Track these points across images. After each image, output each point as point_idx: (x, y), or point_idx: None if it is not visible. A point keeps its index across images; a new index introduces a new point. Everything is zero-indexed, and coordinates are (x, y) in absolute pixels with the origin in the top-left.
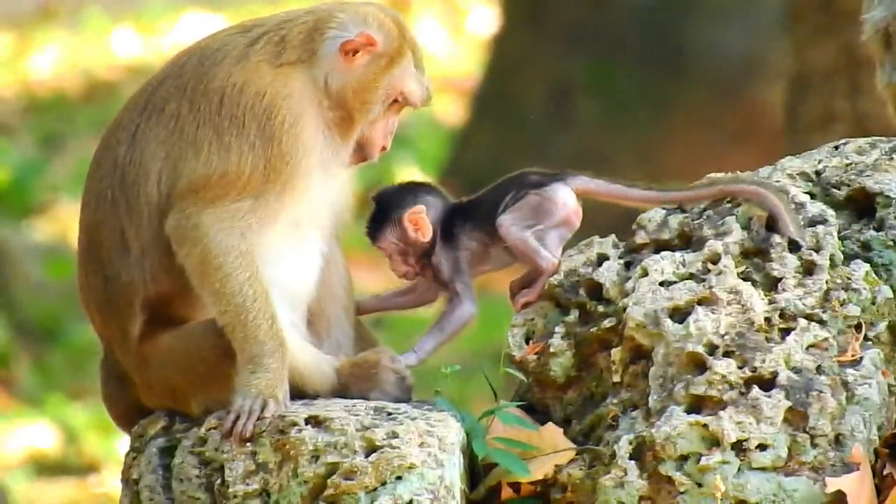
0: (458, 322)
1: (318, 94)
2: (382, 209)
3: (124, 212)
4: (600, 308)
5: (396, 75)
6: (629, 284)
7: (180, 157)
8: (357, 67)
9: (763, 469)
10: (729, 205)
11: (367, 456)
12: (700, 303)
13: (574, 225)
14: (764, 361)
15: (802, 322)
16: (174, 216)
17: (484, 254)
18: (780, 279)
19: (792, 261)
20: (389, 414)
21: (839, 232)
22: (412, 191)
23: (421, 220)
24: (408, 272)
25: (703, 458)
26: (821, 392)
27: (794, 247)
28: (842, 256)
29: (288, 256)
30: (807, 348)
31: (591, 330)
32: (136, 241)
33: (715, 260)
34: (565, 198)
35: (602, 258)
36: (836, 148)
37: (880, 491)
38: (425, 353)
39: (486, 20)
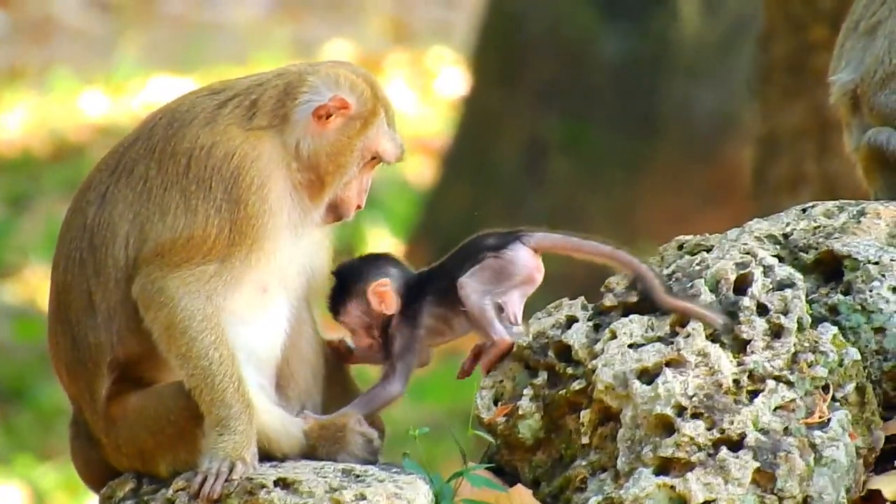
0: (386, 399)
1: (288, 156)
2: (344, 283)
3: (92, 273)
4: (569, 370)
5: (371, 136)
6: (598, 346)
7: (147, 219)
8: (330, 132)
9: None
10: (698, 267)
11: None
12: (668, 365)
13: (536, 282)
14: (732, 423)
15: (770, 384)
16: (140, 280)
17: (444, 327)
18: (748, 341)
19: (760, 324)
20: (357, 476)
21: (807, 295)
22: (374, 263)
23: (386, 294)
24: (372, 345)
25: None
26: (789, 453)
27: (762, 310)
28: (809, 319)
29: (255, 320)
30: (775, 410)
31: (560, 392)
32: (103, 302)
33: (683, 322)
34: (525, 258)
35: (571, 320)
36: (804, 210)
37: None
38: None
39: (456, 81)
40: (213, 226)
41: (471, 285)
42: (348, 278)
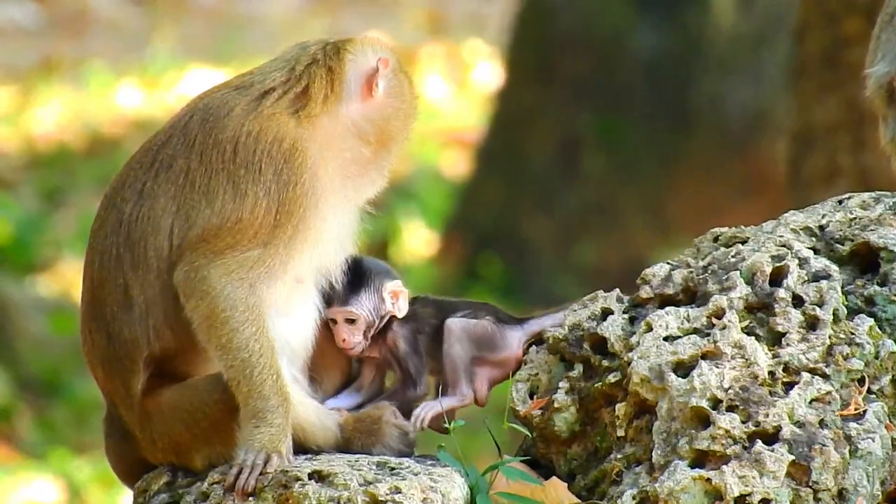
0: (409, 403)
1: (340, 138)
2: (362, 276)
3: (129, 268)
4: (604, 363)
5: (398, 103)
6: (633, 339)
7: (193, 207)
8: (380, 97)
9: None
10: (733, 259)
11: None
12: (704, 357)
13: (510, 369)
14: (767, 416)
15: (806, 376)
16: (182, 268)
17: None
18: (783, 334)
19: (796, 316)
20: (392, 469)
21: (843, 287)
22: (389, 268)
23: (403, 296)
24: (358, 345)
25: None
26: (824, 446)
27: (798, 302)
28: (845, 311)
29: (290, 311)
30: (810, 402)
31: (596, 385)
32: (140, 297)
33: (719, 315)
34: (516, 341)
35: (606, 312)
36: (840, 202)
37: None
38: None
39: (491, 74)
40: (261, 207)
41: (461, 333)
42: (366, 272)
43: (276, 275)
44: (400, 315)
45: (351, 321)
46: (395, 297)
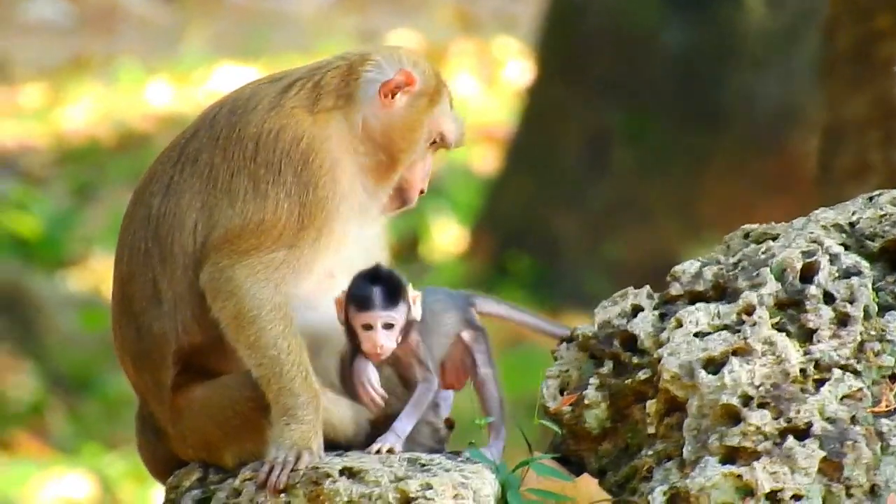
0: (430, 399)
1: (355, 139)
2: (395, 282)
3: (158, 263)
4: (635, 359)
5: (436, 115)
6: (664, 335)
7: (216, 205)
8: (398, 108)
9: None
10: (764, 256)
11: None
12: (735, 354)
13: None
14: (798, 412)
15: (837, 373)
16: (208, 269)
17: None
18: (814, 330)
19: (826, 312)
20: (423, 465)
21: (873, 283)
22: (399, 272)
23: (418, 300)
24: (390, 349)
25: None
26: (855, 442)
27: (828, 298)
28: (876, 308)
29: (321, 306)
30: (841, 399)
31: (626, 381)
32: (169, 292)
33: (750, 311)
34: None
35: (636, 309)
36: (871, 199)
37: None
38: (405, 433)
39: (521, 70)
40: (283, 209)
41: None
42: (398, 278)
43: (302, 275)
44: (419, 319)
45: (389, 326)
46: (414, 303)
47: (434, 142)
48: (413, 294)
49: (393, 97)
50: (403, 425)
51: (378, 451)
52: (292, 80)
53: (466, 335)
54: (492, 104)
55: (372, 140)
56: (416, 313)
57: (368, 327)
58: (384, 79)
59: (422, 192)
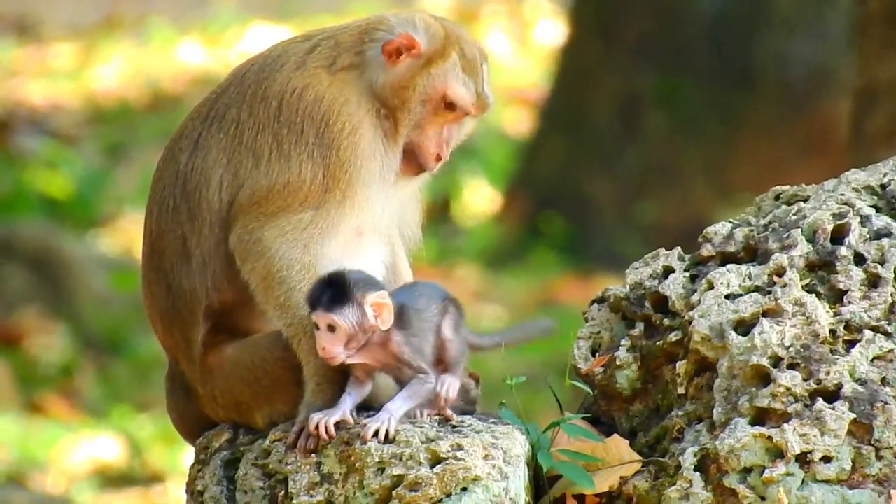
0: (427, 392)
1: (374, 100)
2: (341, 285)
3: (186, 219)
4: (666, 321)
5: (435, 75)
6: (695, 297)
7: (241, 164)
8: (399, 69)
9: (827, 481)
10: (795, 217)
11: (432, 468)
12: (765, 315)
13: None
14: (828, 374)
15: (867, 334)
16: (237, 231)
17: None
18: (845, 291)
19: (857, 273)
20: (454, 426)
21: None
22: (371, 278)
23: (385, 307)
24: (338, 355)
25: (767, 471)
26: (886, 404)
27: (859, 260)
28: None
29: (352, 265)
30: (871, 360)
31: (657, 343)
32: (197, 248)
33: (780, 273)
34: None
35: (668, 271)
36: None
37: None
38: (398, 415)
39: (554, 31)
40: (307, 171)
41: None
42: (346, 282)
43: (330, 234)
44: (384, 327)
45: (332, 329)
46: (378, 310)
47: (447, 106)
48: (378, 301)
49: (398, 58)
50: (397, 406)
51: (375, 434)
52: (317, 40)
53: (450, 308)
54: (524, 66)
55: (382, 100)
56: (384, 322)
57: (317, 327)
58: (389, 38)
59: (440, 158)
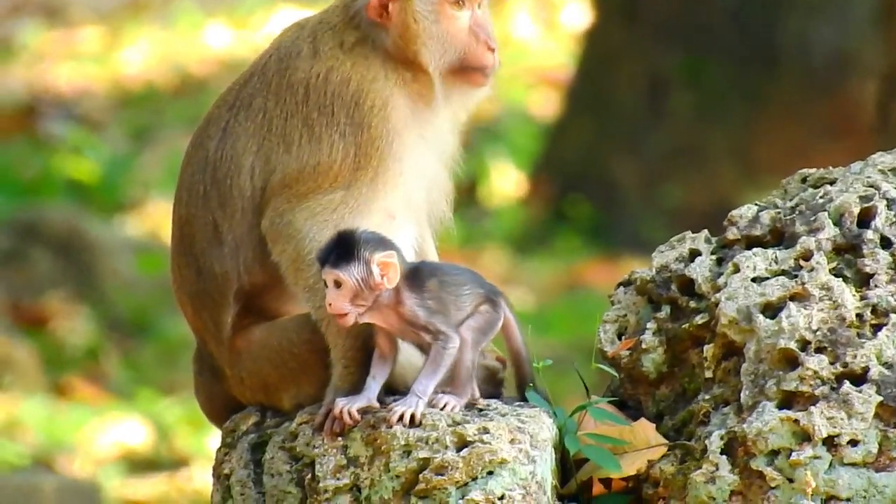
0: (451, 357)
1: (398, 66)
2: (350, 242)
3: (216, 205)
4: (692, 304)
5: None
6: (721, 280)
7: (272, 150)
8: (395, 20)
9: (854, 464)
10: (821, 200)
11: (458, 451)
12: (792, 299)
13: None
14: (855, 357)
15: (894, 317)
16: (269, 215)
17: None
18: (871, 275)
19: (884, 257)
20: (480, 410)
21: None
22: (381, 238)
23: (391, 266)
24: (348, 314)
25: (794, 454)
26: None
27: (886, 243)
28: None
29: None
30: None
31: (683, 326)
32: (229, 233)
33: (807, 256)
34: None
35: (694, 254)
36: None
37: None
38: (427, 395)
39: (580, 14)
40: (338, 150)
41: (474, 342)
42: (354, 240)
43: (361, 215)
44: (389, 286)
45: (338, 285)
46: (384, 269)
47: (454, 4)
48: (384, 260)
49: (387, 12)
50: (423, 386)
51: (400, 418)
52: (311, 28)
53: (485, 308)
54: (550, 48)
55: (403, 60)
56: (389, 280)
57: (325, 284)
58: (365, 2)
59: (491, 49)
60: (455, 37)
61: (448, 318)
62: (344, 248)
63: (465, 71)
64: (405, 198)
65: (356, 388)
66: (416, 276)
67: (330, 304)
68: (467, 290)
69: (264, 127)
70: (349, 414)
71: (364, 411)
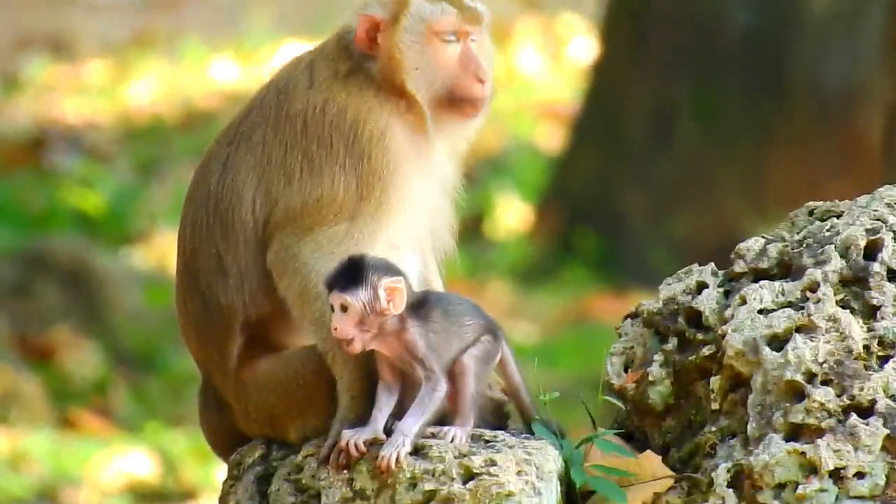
0: (438, 401)
1: (390, 95)
2: (358, 267)
3: (220, 237)
4: (699, 336)
5: (406, 25)
6: (728, 312)
7: (272, 182)
8: (382, 50)
9: (861, 497)
10: (828, 233)
11: (464, 483)
12: (799, 330)
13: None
14: (862, 389)
15: None
16: (274, 248)
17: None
18: (878, 307)
19: (890, 289)
20: (487, 441)
21: None
22: (389, 263)
23: (398, 292)
24: (354, 339)
25: (800, 487)
26: None
27: (892, 276)
28: None
29: None
30: None
31: (690, 358)
32: (233, 265)
33: (814, 288)
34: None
35: (701, 286)
36: None
37: None
38: (415, 436)
39: (586, 48)
40: (339, 182)
41: (477, 370)
42: (363, 265)
43: (366, 246)
44: (395, 312)
45: (344, 309)
46: (391, 294)
47: (442, 39)
48: (391, 286)
49: (374, 42)
50: (410, 425)
51: (387, 462)
52: (309, 59)
53: (486, 338)
54: (556, 81)
55: (392, 90)
56: (395, 307)
57: (332, 309)
58: (354, 33)
59: (480, 79)
60: (442, 68)
61: (442, 359)
62: (352, 273)
63: (455, 102)
64: (409, 228)
65: (363, 419)
66: (421, 305)
67: (336, 329)
68: (470, 321)
69: (264, 159)
70: (355, 446)
71: (370, 443)
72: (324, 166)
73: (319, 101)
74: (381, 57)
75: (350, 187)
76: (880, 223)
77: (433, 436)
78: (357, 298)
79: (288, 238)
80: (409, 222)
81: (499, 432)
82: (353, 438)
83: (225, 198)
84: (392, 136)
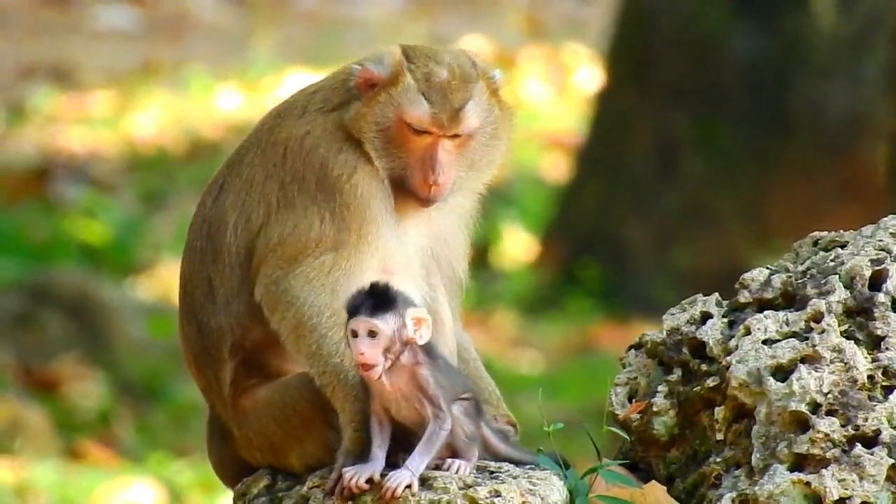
0: (444, 439)
1: (365, 139)
2: (385, 294)
3: (210, 261)
4: (703, 366)
5: (385, 102)
6: (732, 343)
7: (253, 209)
8: (364, 103)
9: None
10: (832, 263)
11: None
12: (803, 361)
13: None
14: (867, 419)
15: None
16: (262, 282)
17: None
18: (883, 338)
19: (895, 319)
20: (492, 473)
21: None
22: (410, 297)
23: (424, 322)
24: (376, 364)
25: None
26: None
27: None
28: None
29: None
30: None
31: (695, 388)
32: (221, 288)
33: (818, 319)
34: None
35: (705, 316)
36: None
37: None
38: (419, 472)
39: (592, 78)
40: (314, 216)
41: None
42: (394, 293)
43: (355, 276)
44: (421, 342)
45: (373, 335)
46: (417, 324)
47: (413, 131)
48: (417, 316)
49: (372, 90)
50: (416, 463)
51: (393, 493)
52: (320, 85)
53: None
54: (561, 111)
55: (380, 138)
56: (422, 337)
57: (355, 334)
58: (367, 75)
59: (434, 186)
60: (399, 156)
61: (448, 399)
62: (380, 299)
63: (407, 187)
64: (400, 256)
65: (367, 451)
66: (429, 345)
67: (362, 353)
68: (461, 382)
69: (248, 183)
70: (357, 486)
71: (371, 481)
72: (297, 198)
73: (301, 132)
74: (352, 109)
75: (324, 220)
76: (885, 253)
77: (437, 467)
78: (387, 324)
79: (275, 271)
80: (399, 251)
81: (503, 463)
82: (356, 479)
83: (215, 220)
84: (361, 175)
